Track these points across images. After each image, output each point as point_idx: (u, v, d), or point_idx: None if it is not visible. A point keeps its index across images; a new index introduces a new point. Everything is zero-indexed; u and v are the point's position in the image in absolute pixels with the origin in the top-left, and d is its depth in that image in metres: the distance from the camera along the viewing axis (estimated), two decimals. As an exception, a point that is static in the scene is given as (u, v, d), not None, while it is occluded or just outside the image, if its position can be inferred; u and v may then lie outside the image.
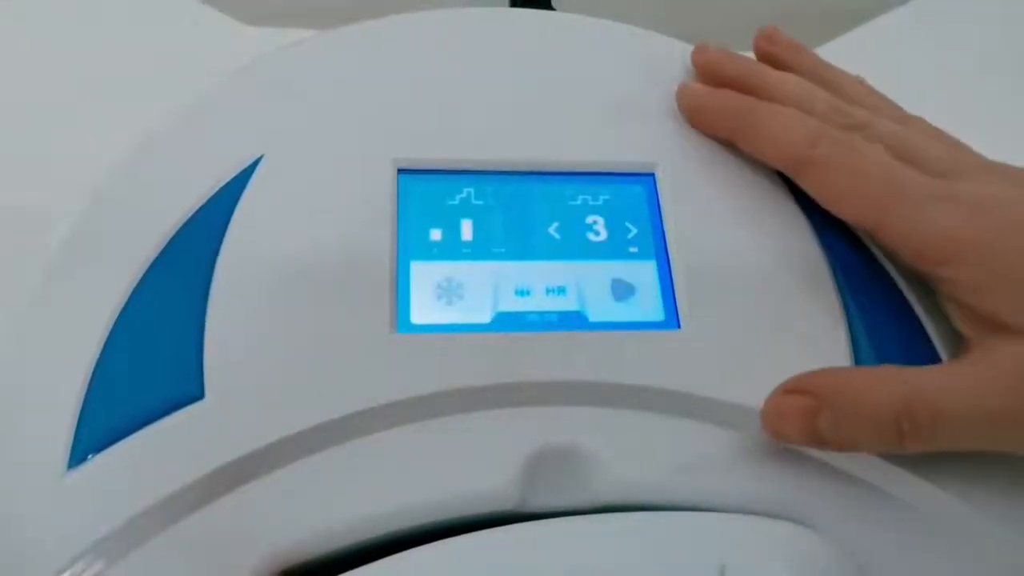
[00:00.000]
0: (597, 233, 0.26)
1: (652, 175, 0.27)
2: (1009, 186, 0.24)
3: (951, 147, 0.27)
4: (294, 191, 0.26)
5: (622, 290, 0.26)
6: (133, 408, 0.23)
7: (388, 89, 0.28)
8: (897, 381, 0.22)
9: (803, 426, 0.22)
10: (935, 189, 0.24)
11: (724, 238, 0.26)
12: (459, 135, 0.27)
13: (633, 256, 0.26)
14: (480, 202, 0.27)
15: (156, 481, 0.22)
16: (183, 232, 0.25)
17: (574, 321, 0.25)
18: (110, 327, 0.24)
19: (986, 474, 0.23)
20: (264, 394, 0.23)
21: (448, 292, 0.25)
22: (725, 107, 0.28)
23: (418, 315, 0.24)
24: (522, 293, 0.25)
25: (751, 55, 0.30)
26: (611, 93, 0.29)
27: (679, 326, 0.25)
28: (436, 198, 0.26)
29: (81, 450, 0.22)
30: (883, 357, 0.25)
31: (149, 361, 0.23)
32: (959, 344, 0.25)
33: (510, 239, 0.26)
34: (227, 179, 0.26)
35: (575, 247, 0.26)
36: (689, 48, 0.30)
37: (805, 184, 0.26)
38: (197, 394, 0.23)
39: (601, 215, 0.27)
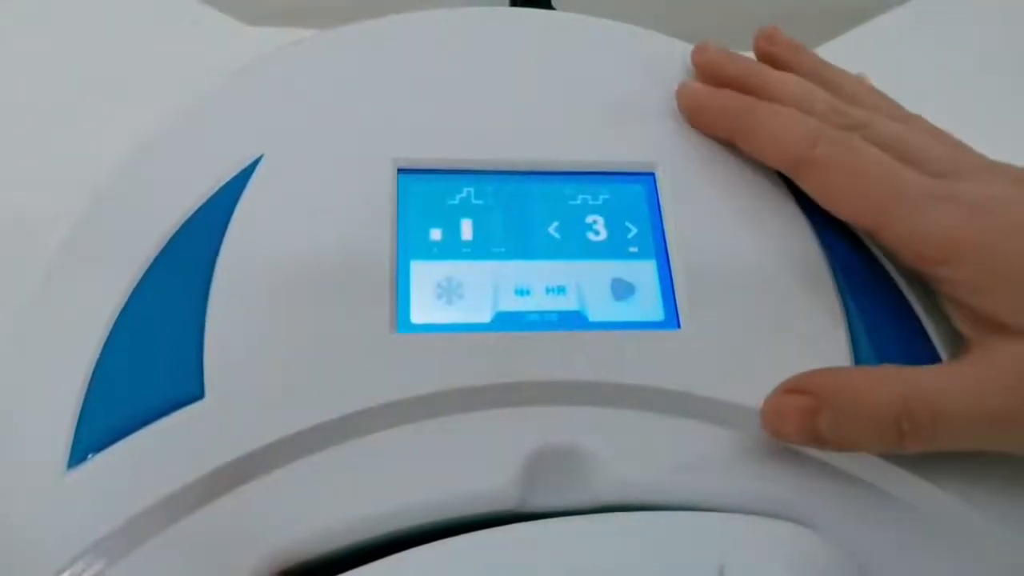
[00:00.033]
0: (597, 233, 0.26)
1: (652, 175, 0.27)
2: (1009, 186, 0.24)
3: (951, 147, 0.27)
4: (294, 191, 0.26)
5: (622, 290, 0.26)
6: (133, 408, 0.23)
7: (388, 89, 0.28)
8: (897, 381, 0.22)
9: (802, 426, 0.22)
10: (935, 189, 0.24)
11: (724, 238, 0.26)
12: (459, 135, 0.27)
13: (633, 256, 0.26)
14: (480, 202, 0.27)
15: (156, 481, 0.22)
16: (183, 232, 0.25)
17: (574, 321, 0.25)
18: (110, 327, 0.24)
19: (986, 474, 0.23)
20: (264, 394, 0.23)
21: (448, 292, 0.25)
22: (725, 107, 0.28)
23: (418, 315, 0.24)
24: (522, 293, 0.25)
25: (751, 55, 0.30)
26: (611, 93, 0.29)
27: (679, 326, 0.25)
28: (436, 198, 0.26)
29: (81, 450, 0.22)
30: (883, 357, 0.25)
31: (149, 361, 0.23)
32: (959, 344, 0.25)
33: (510, 239, 0.26)
34: (227, 179, 0.26)
35: (575, 247, 0.26)
36: (689, 48, 0.30)
37: (805, 184, 0.26)
38: (197, 394, 0.23)
39: (601, 215, 0.27)
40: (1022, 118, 0.40)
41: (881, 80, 0.30)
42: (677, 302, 0.25)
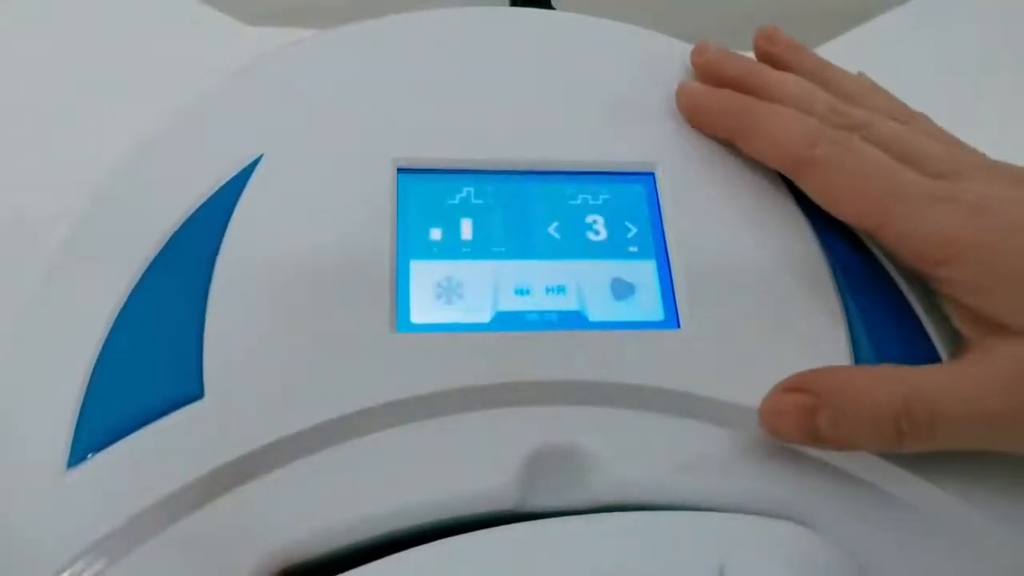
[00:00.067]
0: (597, 232, 0.26)
1: (652, 175, 0.27)
2: (1010, 186, 0.24)
3: (952, 147, 0.27)
4: (294, 190, 0.26)
5: (622, 289, 0.26)
6: (133, 407, 0.23)
7: (388, 89, 0.28)
8: (896, 380, 0.22)
9: (801, 424, 0.22)
10: (935, 189, 0.24)
11: (724, 238, 0.26)
12: (459, 134, 0.27)
13: (633, 256, 0.26)
14: (480, 201, 0.27)
15: (156, 480, 0.22)
16: (183, 232, 0.25)
17: (574, 320, 0.25)
18: (110, 327, 0.24)
19: (986, 474, 0.23)
20: (264, 394, 0.23)
21: (448, 291, 0.25)
22: (724, 107, 0.28)
23: (418, 314, 0.24)
24: (522, 292, 0.25)
25: (751, 55, 0.30)
26: (611, 93, 0.29)
27: (679, 326, 0.25)
28: (436, 197, 0.26)
29: (81, 449, 0.22)
30: (883, 357, 0.25)
31: (149, 360, 0.23)
32: (959, 344, 0.25)
33: (510, 238, 0.26)
34: (227, 179, 0.26)
35: (575, 246, 0.26)
36: (689, 48, 0.30)
37: (804, 185, 0.26)
38: (197, 393, 0.23)
39: (601, 214, 0.27)
40: (1022, 118, 0.40)
41: (881, 80, 0.30)
42: (677, 302, 0.25)
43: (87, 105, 0.39)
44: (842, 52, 0.32)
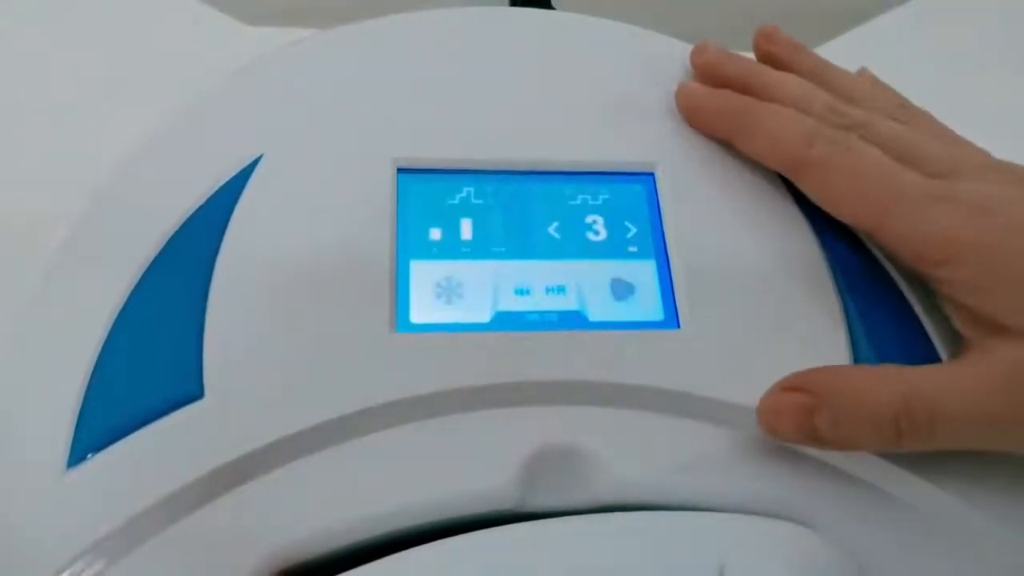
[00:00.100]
0: (597, 232, 0.26)
1: (652, 175, 0.27)
2: (1010, 186, 0.24)
3: (952, 146, 0.27)
4: (293, 190, 0.26)
5: (622, 290, 0.26)
6: (133, 407, 0.23)
7: (388, 89, 0.28)
8: (896, 380, 0.22)
9: (800, 424, 0.22)
10: (934, 189, 0.24)
11: (724, 238, 0.26)
12: (459, 134, 0.27)
13: (633, 256, 0.26)
14: (480, 201, 0.27)
15: (156, 480, 0.22)
16: (182, 232, 0.25)
17: (574, 320, 0.25)
18: (110, 327, 0.24)
19: (986, 474, 0.23)
20: (264, 394, 0.23)
21: (448, 291, 0.25)
22: (723, 107, 0.28)
23: (418, 314, 0.24)
24: (522, 292, 0.25)
25: (751, 55, 0.30)
26: (611, 93, 0.29)
27: (679, 326, 0.25)
28: (436, 197, 0.26)
29: (81, 449, 0.22)
30: (883, 357, 0.25)
31: (149, 360, 0.23)
32: (959, 344, 0.25)
33: (510, 238, 0.26)
34: (227, 179, 0.26)
35: (575, 246, 0.26)
36: (689, 48, 0.30)
37: (803, 185, 0.26)
38: (197, 393, 0.23)
39: (601, 215, 0.27)
40: (1022, 118, 0.40)
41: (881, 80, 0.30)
42: (677, 302, 0.25)
43: (87, 105, 0.39)
44: (842, 52, 0.32)
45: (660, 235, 0.26)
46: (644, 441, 0.23)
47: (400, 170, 0.27)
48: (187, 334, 0.23)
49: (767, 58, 0.30)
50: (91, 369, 0.23)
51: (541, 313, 0.25)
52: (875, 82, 0.29)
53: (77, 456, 0.22)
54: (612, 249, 0.26)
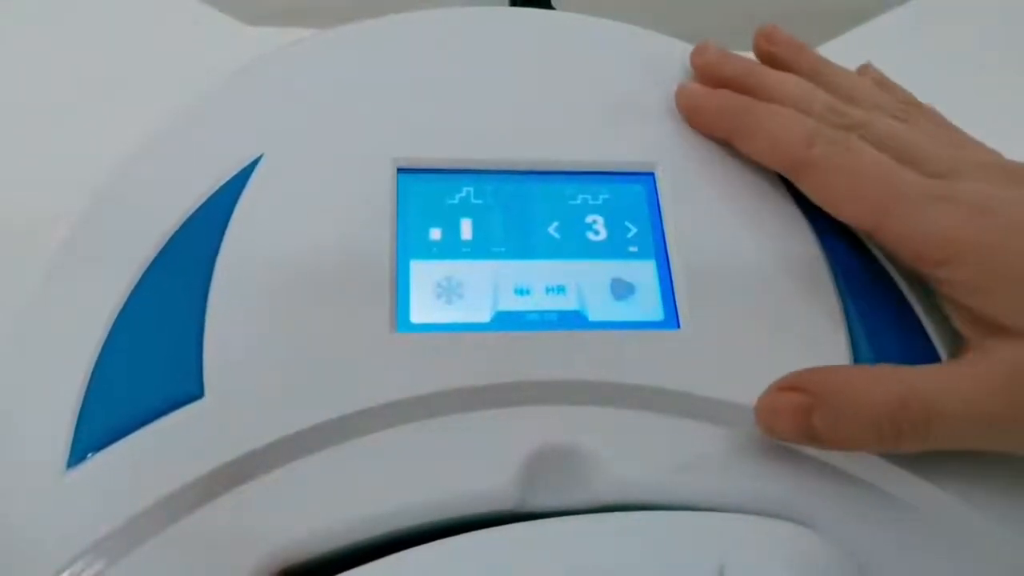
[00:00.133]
0: (597, 232, 0.26)
1: (652, 175, 0.27)
2: (1010, 185, 0.24)
3: (952, 144, 0.27)
4: (293, 190, 0.26)
5: (622, 289, 0.26)
6: (133, 407, 0.23)
7: (387, 88, 0.28)
8: (894, 380, 0.22)
9: (797, 423, 0.22)
10: (934, 189, 0.24)
11: (724, 238, 0.26)
12: (459, 134, 0.28)
13: (633, 255, 0.26)
14: (480, 201, 0.27)
15: (156, 480, 0.22)
16: (183, 232, 0.25)
17: (574, 320, 0.25)
18: (110, 327, 0.24)
19: (986, 474, 0.23)
20: (264, 393, 0.23)
21: (448, 291, 0.25)
22: (723, 107, 0.28)
23: (418, 314, 0.24)
24: (522, 292, 0.25)
25: (751, 55, 0.30)
26: (611, 93, 0.29)
27: (679, 326, 0.25)
28: (436, 197, 0.26)
29: (81, 449, 0.22)
30: (882, 357, 0.25)
31: (149, 360, 0.23)
32: (959, 344, 0.25)
33: (510, 238, 0.26)
34: (227, 179, 0.26)
35: (575, 246, 0.26)
36: (689, 48, 0.30)
37: (803, 185, 0.26)
38: (197, 393, 0.23)
39: (601, 214, 0.27)
40: (1022, 118, 0.40)
41: (881, 81, 0.30)
42: (677, 302, 0.25)
43: (87, 105, 0.39)
44: (842, 52, 0.32)
45: (660, 235, 0.26)
46: (644, 441, 0.23)
47: (400, 170, 0.27)
48: (187, 334, 0.23)
49: (767, 58, 0.30)
50: (91, 369, 0.23)
51: (541, 313, 0.25)
52: (877, 80, 0.29)
53: (77, 456, 0.22)
54: (612, 249, 0.26)
